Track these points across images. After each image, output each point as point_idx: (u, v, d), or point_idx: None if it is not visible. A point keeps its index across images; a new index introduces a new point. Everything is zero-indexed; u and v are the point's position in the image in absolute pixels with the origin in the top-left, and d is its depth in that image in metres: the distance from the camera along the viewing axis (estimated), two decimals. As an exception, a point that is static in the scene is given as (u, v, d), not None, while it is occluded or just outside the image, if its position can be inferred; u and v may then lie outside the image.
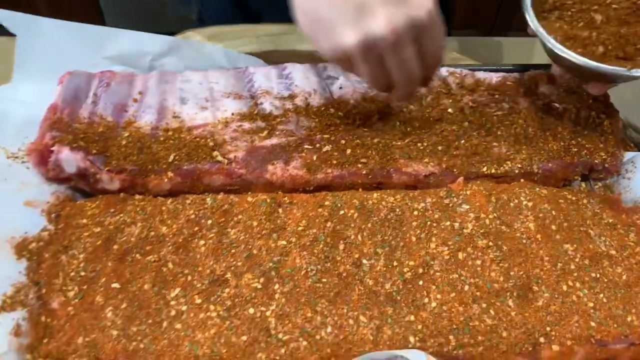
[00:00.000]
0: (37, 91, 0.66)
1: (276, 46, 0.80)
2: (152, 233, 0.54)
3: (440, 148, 0.62)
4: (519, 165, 0.60)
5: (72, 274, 0.51)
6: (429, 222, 0.54)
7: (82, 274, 0.51)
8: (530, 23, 0.57)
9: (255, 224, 0.55)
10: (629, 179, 0.61)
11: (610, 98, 0.67)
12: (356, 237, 0.53)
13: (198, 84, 0.67)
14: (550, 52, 0.57)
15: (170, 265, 0.52)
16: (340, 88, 0.67)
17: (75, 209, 0.57)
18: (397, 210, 0.55)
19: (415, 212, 0.55)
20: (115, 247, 0.53)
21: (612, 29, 0.55)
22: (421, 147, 0.62)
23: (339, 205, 0.56)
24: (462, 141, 0.63)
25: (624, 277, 0.50)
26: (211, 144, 0.61)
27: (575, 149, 0.61)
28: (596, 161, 0.61)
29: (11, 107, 0.63)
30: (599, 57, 0.54)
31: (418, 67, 0.50)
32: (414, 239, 0.53)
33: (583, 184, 0.63)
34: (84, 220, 0.55)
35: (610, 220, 0.55)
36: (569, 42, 0.55)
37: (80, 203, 0.57)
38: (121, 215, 0.56)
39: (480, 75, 0.69)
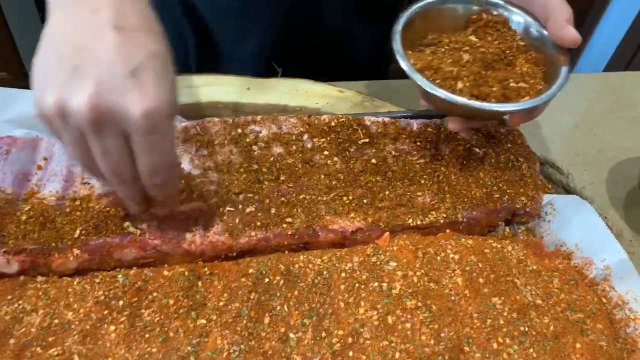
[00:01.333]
0: None
1: (197, 98, 0.77)
2: (56, 321, 0.49)
3: (365, 201, 0.61)
4: (444, 215, 0.60)
5: (-40, 379, 0.45)
6: (356, 285, 0.52)
7: (-28, 378, 0.45)
8: (395, 50, 0.57)
9: (171, 302, 0.51)
10: (549, 221, 0.62)
11: (526, 140, 0.68)
12: (282, 308, 0.50)
13: (108, 146, 0.62)
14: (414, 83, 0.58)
15: (75, 357, 0.47)
16: (262, 144, 0.65)
17: (-34, 299, 0.50)
18: (325, 273, 0.53)
19: (343, 274, 0.53)
20: (12, 341, 0.48)
21: (474, 68, 0.57)
22: (347, 201, 0.60)
23: (264, 272, 0.53)
24: (387, 192, 0.62)
25: (551, 327, 0.50)
26: (122, 213, 0.56)
27: (497, 195, 0.62)
28: (517, 206, 0.62)
29: None
30: (456, 92, 0.56)
31: (127, 166, 0.43)
32: (342, 304, 0.51)
33: (507, 229, 0.64)
34: (-24, 312, 0.49)
35: (535, 267, 0.55)
36: (429, 72, 0.57)
37: (-29, 292, 0.51)
38: (20, 302, 0.50)
39: (402, 122, 0.69)
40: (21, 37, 1.80)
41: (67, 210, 0.56)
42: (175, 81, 0.43)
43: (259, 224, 0.57)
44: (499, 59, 0.59)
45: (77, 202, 0.57)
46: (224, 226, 0.57)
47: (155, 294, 0.51)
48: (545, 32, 0.58)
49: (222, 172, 0.62)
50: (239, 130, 0.66)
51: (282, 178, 0.62)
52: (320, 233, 0.58)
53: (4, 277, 0.53)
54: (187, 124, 0.65)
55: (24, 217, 0.55)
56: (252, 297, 0.51)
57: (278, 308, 0.50)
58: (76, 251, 0.53)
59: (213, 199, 0.59)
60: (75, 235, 0.54)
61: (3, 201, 0.56)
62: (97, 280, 0.52)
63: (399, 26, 0.59)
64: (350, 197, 0.61)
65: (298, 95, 0.79)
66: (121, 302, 0.50)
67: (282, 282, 0.52)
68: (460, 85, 0.56)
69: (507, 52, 0.59)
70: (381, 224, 0.59)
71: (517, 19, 0.61)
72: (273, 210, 0.59)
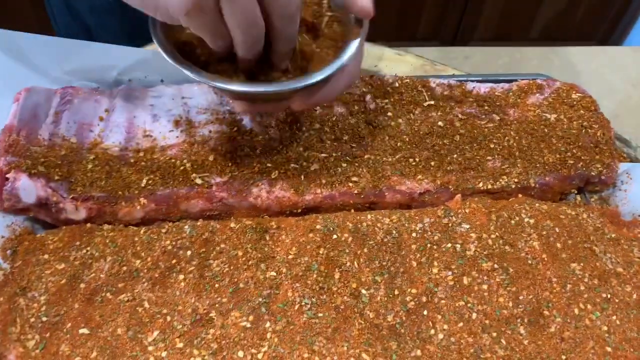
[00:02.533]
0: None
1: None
2: (125, 268, 0.49)
3: (433, 163, 0.59)
4: (516, 180, 0.58)
5: (32, 319, 0.45)
6: (429, 245, 0.50)
7: (44, 319, 0.45)
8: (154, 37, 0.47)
9: (240, 253, 0.50)
10: (625, 190, 0.59)
11: (599, 107, 0.65)
12: (352, 264, 0.49)
13: (171, 99, 0.62)
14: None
15: (146, 304, 0.46)
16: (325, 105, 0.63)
17: (35, 243, 0.50)
18: (394, 232, 0.51)
19: (414, 234, 0.51)
20: (82, 286, 0.47)
21: None
22: (413, 163, 0.58)
23: (332, 229, 0.52)
24: (455, 155, 0.60)
25: (634, 296, 0.48)
26: (188, 165, 0.55)
27: (572, 162, 0.59)
28: (592, 173, 0.59)
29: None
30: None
31: (260, 17, 0.41)
32: (414, 264, 0.49)
33: (579, 197, 0.61)
34: (45, 256, 0.49)
35: (613, 236, 0.53)
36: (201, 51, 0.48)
37: (40, 236, 0.51)
38: (88, 248, 0.50)
39: (468, 86, 0.66)
40: None
41: (132, 161, 0.56)
42: None
43: (324, 181, 0.56)
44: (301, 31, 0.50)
45: (141, 154, 0.56)
46: (289, 182, 0.55)
47: (223, 246, 0.50)
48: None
49: (284, 130, 0.60)
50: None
51: (344, 138, 0.60)
52: (387, 193, 0.56)
53: (72, 224, 0.52)
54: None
55: (89, 166, 0.54)
56: (320, 252, 0.50)
57: (348, 264, 0.49)
58: (143, 200, 0.53)
59: (276, 156, 0.57)
60: (142, 185, 0.53)
61: (68, 150, 0.55)
62: (164, 231, 0.51)
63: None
64: (417, 159, 0.59)
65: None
66: (189, 252, 0.50)
67: (350, 239, 0.51)
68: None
69: (308, 20, 0.50)
70: (450, 186, 0.57)
71: None
72: (338, 169, 0.57)
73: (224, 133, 0.59)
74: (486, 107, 0.65)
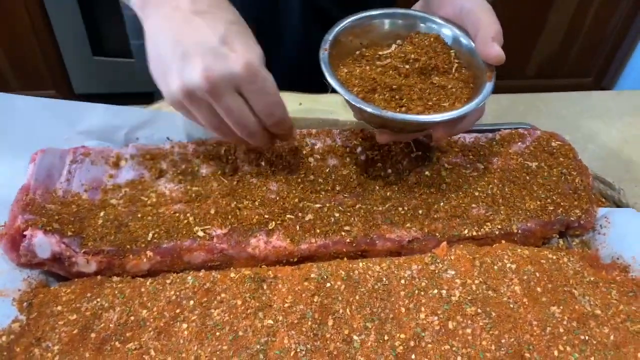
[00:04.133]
0: (7, 171, 0.64)
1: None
2: (132, 318, 0.52)
3: (420, 212, 0.62)
4: (499, 227, 0.61)
5: (47, 369, 0.48)
6: (416, 291, 0.54)
7: (58, 368, 0.48)
8: (322, 64, 0.57)
9: (239, 302, 0.53)
10: (604, 234, 0.63)
11: (578, 155, 0.69)
12: (345, 311, 0.52)
13: (177, 156, 0.66)
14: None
15: (152, 352, 0.49)
16: (318, 156, 0.67)
17: (49, 295, 0.54)
18: (384, 279, 0.55)
19: (403, 281, 0.55)
20: (93, 335, 0.51)
21: (402, 81, 0.58)
22: (402, 212, 0.62)
23: (325, 277, 0.55)
24: (442, 204, 0.63)
25: (612, 337, 0.51)
26: (191, 218, 0.59)
27: (552, 207, 0.63)
28: (572, 219, 0.63)
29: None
30: (379, 104, 0.56)
31: (249, 116, 0.53)
32: (403, 309, 0.52)
33: (561, 241, 0.64)
34: (59, 308, 0.53)
35: (592, 279, 0.56)
36: (357, 84, 0.58)
37: (54, 289, 0.55)
38: (98, 299, 0.54)
39: (454, 136, 0.71)
40: (69, 56, 1.88)
41: (139, 215, 0.60)
42: (254, 39, 0.53)
43: (318, 231, 0.60)
44: (428, 72, 0.59)
45: (148, 209, 0.61)
46: (285, 232, 0.59)
47: (223, 295, 0.54)
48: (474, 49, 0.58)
49: (281, 182, 0.65)
50: (296, 143, 0.69)
51: (337, 188, 0.65)
52: (377, 242, 0.60)
53: (83, 276, 0.56)
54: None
55: (100, 221, 0.58)
56: (315, 300, 0.53)
57: (341, 311, 0.52)
58: (149, 253, 0.57)
59: (274, 207, 0.61)
60: (149, 238, 0.57)
61: (80, 206, 0.60)
62: (168, 281, 0.55)
63: (327, 40, 0.59)
64: (406, 208, 0.63)
65: (348, 111, 0.82)
66: (192, 302, 0.53)
67: (343, 286, 0.54)
68: (379, 96, 0.57)
69: (440, 66, 0.59)
70: (437, 234, 0.61)
71: (447, 32, 0.61)
72: (332, 219, 0.61)
73: (225, 186, 0.63)
74: (471, 157, 0.69)
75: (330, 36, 0.60)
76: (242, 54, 0.50)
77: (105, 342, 0.50)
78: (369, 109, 0.54)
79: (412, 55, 0.60)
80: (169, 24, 0.51)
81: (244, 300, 0.53)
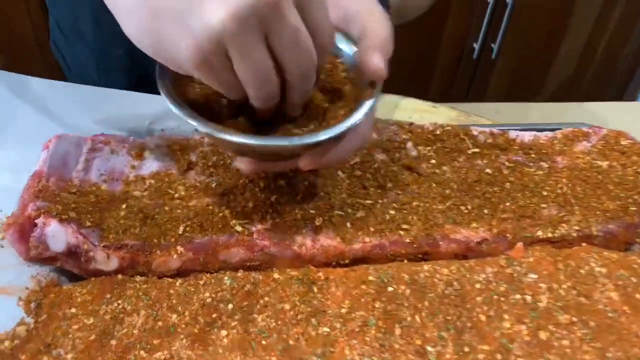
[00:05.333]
0: (16, 158, 0.57)
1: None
2: (160, 323, 0.44)
3: (486, 211, 0.55)
4: (576, 228, 0.54)
5: (58, 381, 0.40)
6: (495, 297, 0.46)
7: (71, 381, 0.40)
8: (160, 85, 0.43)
9: (287, 307, 0.45)
10: (693, 240, 0.55)
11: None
12: (414, 319, 0.44)
13: (207, 147, 0.59)
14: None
15: (186, 364, 0.41)
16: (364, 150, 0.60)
17: (62, 295, 0.46)
18: (455, 283, 0.47)
19: (478, 285, 0.47)
20: (114, 342, 0.42)
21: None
22: (465, 211, 0.55)
23: (386, 280, 0.47)
24: (508, 203, 0.56)
25: None
26: (227, 211, 0.52)
27: (634, 208, 0.56)
28: (658, 221, 0.55)
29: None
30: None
31: (312, 44, 0.37)
32: (482, 317, 0.44)
33: (644, 248, 0.57)
34: (73, 310, 0.44)
35: (693, 287, 0.48)
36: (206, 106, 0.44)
37: (67, 288, 0.46)
38: (119, 301, 0.45)
39: (511, 134, 0.64)
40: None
41: (167, 208, 0.52)
42: None
43: (372, 229, 0.52)
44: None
45: (176, 201, 0.53)
46: (335, 230, 0.52)
47: (267, 299, 0.46)
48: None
49: (323, 176, 0.57)
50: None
51: (388, 185, 0.57)
52: (441, 242, 0.52)
53: (100, 275, 0.48)
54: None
55: (122, 213, 0.51)
56: (377, 305, 0.45)
57: (409, 319, 0.44)
58: (180, 249, 0.49)
59: (319, 202, 0.54)
60: (179, 232, 0.49)
61: (100, 197, 0.52)
62: (202, 282, 0.47)
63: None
64: (469, 207, 0.55)
65: (386, 109, 0.76)
66: (230, 306, 0.45)
67: (408, 291, 0.46)
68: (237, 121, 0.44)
69: (327, 82, 0.48)
70: (508, 235, 0.53)
71: (342, 45, 0.48)
72: (386, 216, 0.53)
73: (261, 179, 0.56)
74: (533, 155, 0.62)
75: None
76: None
77: (128, 351, 0.42)
78: (202, 128, 0.41)
79: None
80: None
81: (293, 304, 0.45)
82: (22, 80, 0.59)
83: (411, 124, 0.64)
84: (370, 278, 0.47)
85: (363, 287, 0.47)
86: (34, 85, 0.60)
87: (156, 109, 0.64)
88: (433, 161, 0.61)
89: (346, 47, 0.49)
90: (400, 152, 0.61)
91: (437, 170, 0.60)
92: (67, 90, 0.62)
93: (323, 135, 0.43)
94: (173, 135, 0.61)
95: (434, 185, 0.58)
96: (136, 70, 0.72)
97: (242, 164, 0.46)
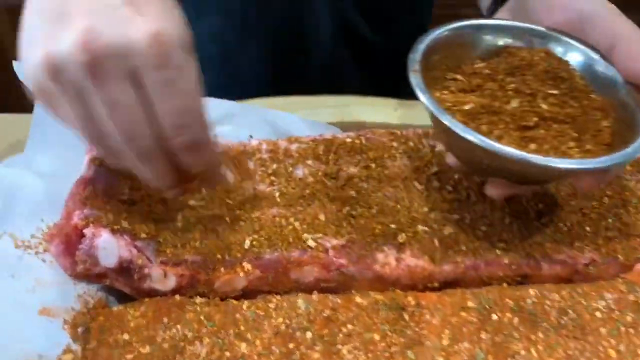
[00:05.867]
0: (58, 162, 0.51)
1: (341, 118, 0.68)
2: (228, 353, 0.37)
3: (588, 229, 0.48)
4: (698, 248, 0.47)
5: None
6: (622, 328, 0.39)
7: (128, 423, 0.33)
8: (414, 84, 0.42)
9: (376, 337, 0.38)
10: None
11: None
12: (529, 353, 0.37)
13: (266, 154, 0.53)
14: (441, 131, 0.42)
15: (264, 404, 0.34)
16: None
17: (113, 319, 0.39)
18: (570, 312, 0.40)
19: (598, 314, 0.40)
20: (176, 376, 0.35)
21: (519, 113, 0.42)
22: (564, 228, 0.48)
23: (488, 307, 0.40)
24: (610, 220, 0.49)
25: None
26: (297, 224, 0.45)
27: None
28: None
29: (23, 181, 0.48)
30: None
31: (142, 121, 0.33)
32: (612, 353, 0.37)
33: None
34: (126, 336, 0.38)
35: None
36: (460, 115, 0.42)
37: (118, 310, 0.40)
38: (179, 327, 0.39)
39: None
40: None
41: (227, 219, 0.46)
42: (180, 14, 0.34)
43: (463, 248, 0.45)
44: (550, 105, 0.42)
45: (238, 212, 0.47)
46: (421, 248, 0.45)
47: (350, 327, 0.39)
48: (612, 67, 0.43)
49: (398, 187, 0.51)
50: (411, 144, 0.55)
51: (473, 198, 0.51)
52: (543, 264, 0.45)
53: (154, 295, 0.42)
54: (349, 134, 0.56)
55: (179, 224, 0.44)
56: (483, 336, 0.38)
57: (523, 352, 0.37)
58: (247, 265, 0.42)
59: (398, 216, 0.47)
60: (246, 246, 0.43)
61: (153, 206, 0.46)
62: (272, 306, 0.40)
63: (414, 60, 0.43)
64: (568, 224, 0.48)
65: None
66: (309, 334, 0.38)
67: (516, 320, 0.39)
68: (499, 132, 0.41)
69: (562, 95, 0.43)
70: (618, 255, 0.46)
71: (573, 53, 0.45)
72: (478, 233, 0.47)
73: (329, 189, 0.50)
74: (628, 167, 0.55)
75: (417, 55, 0.44)
76: (154, 19, 0.31)
77: (194, 387, 0.35)
78: (494, 146, 0.37)
79: (531, 81, 0.44)
80: None
81: (383, 334, 0.38)
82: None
83: (490, 132, 0.58)
84: (470, 304, 0.40)
85: (463, 314, 0.40)
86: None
87: (212, 113, 0.58)
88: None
89: (578, 54, 0.44)
90: None
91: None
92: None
93: (620, 158, 0.38)
94: (228, 141, 0.55)
95: (523, 199, 0.51)
96: (226, 70, 0.69)
97: (494, 189, 0.43)
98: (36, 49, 0.32)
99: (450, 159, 0.47)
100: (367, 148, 0.54)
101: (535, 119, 0.41)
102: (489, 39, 0.47)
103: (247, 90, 0.69)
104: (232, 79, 0.70)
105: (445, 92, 0.45)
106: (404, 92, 0.50)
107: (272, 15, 0.65)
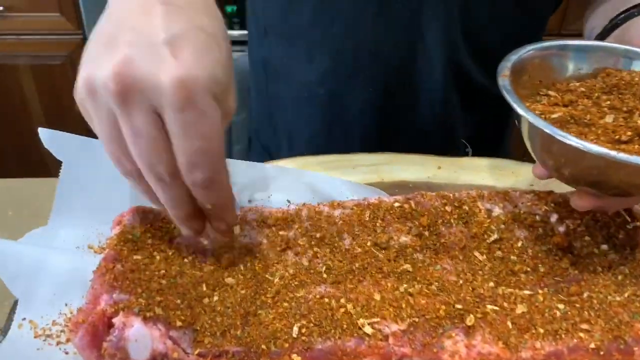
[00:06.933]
0: (83, 236, 0.47)
1: (379, 177, 0.64)
2: None
3: (681, 303, 0.42)
4: None
5: None
6: None
7: None
8: (513, 104, 0.41)
9: None
10: None
11: None
12: None
13: (307, 222, 0.49)
14: (539, 139, 0.41)
15: None
16: (502, 225, 0.49)
17: None
18: (684, 412, 0.33)
19: None
20: None
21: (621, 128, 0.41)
22: (654, 304, 0.42)
23: (582, 405, 0.34)
24: None
25: None
26: (350, 306, 0.40)
27: None
28: None
29: (45, 259, 0.43)
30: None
31: (160, 152, 0.35)
32: None
33: None
34: None
35: None
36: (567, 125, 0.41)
37: (151, 414, 0.35)
38: None
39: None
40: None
41: (268, 301, 0.41)
42: (225, 60, 0.37)
43: (541, 330, 0.40)
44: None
45: (281, 291, 0.42)
46: (493, 332, 0.39)
47: None
48: None
49: (457, 258, 0.46)
50: (465, 207, 0.51)
51: (541, 270, 0.45)
52: (636, 349, 0.39)
53: (191, 394, 0.36)
54: (397, 198, 0.51)
55: (217, 307, 0.39)
56: None
57: None
58: (296, 358, 0.37)
59: (463, 294, 0.42)
60: (294, 335, 0.38)
61: (185, 286, 0.41)
62: (327, 407, 0.35)
63: (504, 66, 0.44)
64: (656, 297, 0.42)
65: (504, 176, 0.65)
66: None
67: None
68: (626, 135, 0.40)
69: None
70: None
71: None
72: (556, 312, 0.41)
73: (382, 262, 0.45)
74: None
75: (508, 63, 0.45)
76: (185, 64, 0.34)
77: None
78: (592, 149, 0.36)
79: (617, 96, 0.44)
80: (128, 4, 0.37)
81: None
82: (83, 143, 0.51)
83: (550, 192, 0.53)
84: (559, 403, 0.34)
85: (553, 416, 0.33)
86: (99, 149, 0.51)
87: (245, 177, 0.54)
88: (587, 238, 0.49)
89: None
90: (544, 228, 0.49)
91: (595, 250, 0.48)
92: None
93: None
94: (265, 207, 0.51)
95: (599, 269, 0.45)
96: (333, 111, 0.70)
97: (580, 200, 0.43)
98: (84, 68, 0.35)
99: (538, 170, 0.46)
100: (418, 214, 0.50)
101: (630, 133, 0.40)
102: (581, 58, 0.47)
103: (351, 133, 0.70)
104: (338, 118, 0.70)
105: (536, 104, 0.45)
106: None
107: (384, 58, 0.64)
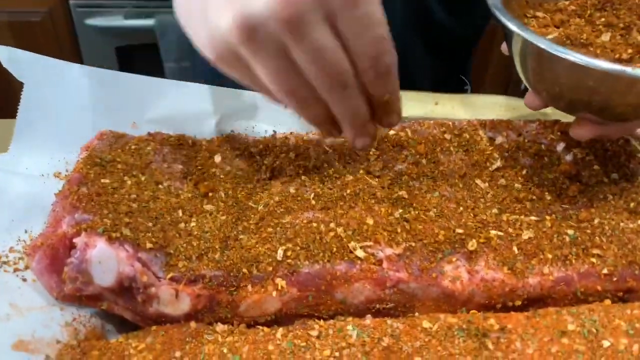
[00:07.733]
0: (47, 162, 0.43)
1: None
2: (261, 399, 0.28)
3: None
4: None
5: None
6: None
7: None
8: (507, 22, 0.37)
9: (456, 373, 0.29)
10: None
11: None
12: (666, 395, 0.27)
13: (293, 150, 0.45)
14: (535, 60, 0.37)
15: None
16: (505, 152, 0.45)
17: (110, 353, 0.30)
18: None
19: None
20: None
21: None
22: (670, 229, 0.39)
23: (594, 330, 0.31)
24: None
25: None
26: (340, 230, 0.36)
27: None
28: None
29: (4, 184, 0.39)
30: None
31: (344, 60, 0.33)
32: None
33: None
34: (126, 377, 0.29)
35: None
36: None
37: (117, 342, 0.31)
38: (195, 363, 0.30)
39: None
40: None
41: (252, 226, 0.37)
42: None
43: (549, 256, 0.36)
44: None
45: (266, 217, 0.38)
46: (498, 257, 0.36)
47: (419, 359, 0.30)
48: None
49: (456, 185, 0.42)
50: (466, 135, 0.47)
51: (548, 197, 0.42)
52: (651, 274, 0.36)
53: (164, 322, 0.33)
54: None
55: (194, 232, 0.36)
56: (595, 371, 0.29)
57: (657, 395, 0.27)
58: (280, 282, 0.33)
59: (464, 219, 0.39)
60: (279, 257, 0.34)
61: (159, 211, 0.37)
62: (314, 333, 0.31)
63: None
64: (673, 223, 0.39)
65: (503, 110, 0.61)
66: (366, 372, 0.29)
67: (636, 348, 0.30)
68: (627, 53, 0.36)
69: None
70: None
71: None
72: (565, 238, 0.37)
73: (375, 188, 0.41)
74: None
75: None
76: None
77: None
78: (599, 64, 0.33)
79: (611, 12, 0.40)
80: None
81: (465, 369, 0.29)
82: (45, 64, 0.46)
83: (557, 121, 0.49)
84: (570, 327, 0.31)
85: (564, 340, 0.30)
86: (64, 72, 0.46)
87: (225, 106, 0.50)
88: (596, 167, 0.45)
89: None
90: (550, 156, 0.46)
91: (604, 179, 0.44)
92: (110, 79, 0.48)
93: None
94: (249, 136, 0.47)
95: (609, 197, 0.42)
96: None
97: (580, 128, 0.40)
98: (222, 15, 0.32)
99: (530, 99, 0.42)
100: (414, 142, 0.46)
101: (631, 51, 0.36)
102: None
103: None
104: None
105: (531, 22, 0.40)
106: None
107: None
